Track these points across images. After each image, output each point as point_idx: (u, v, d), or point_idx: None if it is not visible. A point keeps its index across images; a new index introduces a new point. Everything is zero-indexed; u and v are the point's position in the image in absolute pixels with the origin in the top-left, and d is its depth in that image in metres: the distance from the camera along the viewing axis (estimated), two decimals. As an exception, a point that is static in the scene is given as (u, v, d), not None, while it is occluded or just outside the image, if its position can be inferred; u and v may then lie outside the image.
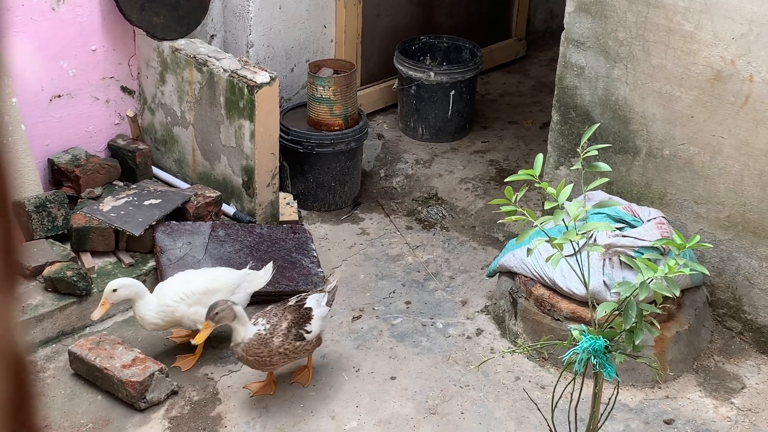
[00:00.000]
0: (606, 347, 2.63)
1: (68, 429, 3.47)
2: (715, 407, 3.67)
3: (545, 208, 2.71)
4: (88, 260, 4.09)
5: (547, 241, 2.60)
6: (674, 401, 3.69)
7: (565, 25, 4.12)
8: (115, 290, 3.57)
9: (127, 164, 4.59)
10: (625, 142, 4.10)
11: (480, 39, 5.95)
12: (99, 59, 4.51)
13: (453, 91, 5.40)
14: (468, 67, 5.41)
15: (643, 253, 3.55)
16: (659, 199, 4.08)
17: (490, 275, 4.18)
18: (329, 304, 3.69)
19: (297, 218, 4.65)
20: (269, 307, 3.60)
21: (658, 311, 2.66)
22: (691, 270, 2.50)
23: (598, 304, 2.61)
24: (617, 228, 3.79)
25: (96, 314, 3.62)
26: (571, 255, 2.66)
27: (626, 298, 2.51)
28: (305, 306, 3.59)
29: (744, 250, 3.90)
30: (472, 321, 4.13)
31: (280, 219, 4.59)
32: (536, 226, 2.58)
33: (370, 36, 5.53)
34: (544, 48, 6.61)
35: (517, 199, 2.62)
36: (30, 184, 4.22)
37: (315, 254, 4.36)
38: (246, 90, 4.24)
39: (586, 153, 2.66)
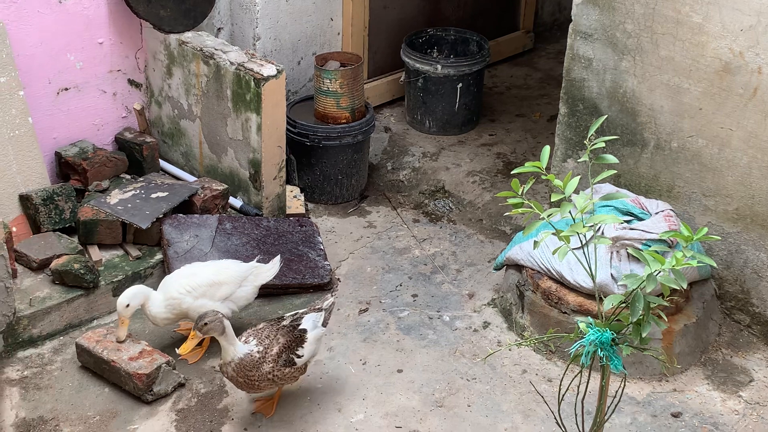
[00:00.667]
0: (613, 340, 2.62)
1: (76, 421, 3.48)
2: (722, 400, 3.66)
3: (552, 200, 2.70)
4: (95, 253, 4.10)
5: (554, 233, 2.59)
6: (682, 394, 3.68)
7: (572, 17, 4.10)
8: (128, 305, 3.54)
9: (134, 157, 4.59)
10: (633, 134, 4.09)
11: (487, 31, 5.93)
12: (106, 52, 4.51)
13: (460, 84, 5.39)
14: (475, 60, 5.40)
15: (650, 246, 3.54)
16: (667, 192, 4.07)
17: (497, 268, 4.18)
18: (325, 324, 3.53)
19: (304, 211, 4.65)
20: (261, 325, 3.43)
21: (666, 304, 2.65)
22: (698, 262, 2.49)
23: (605, 297, 2.60)
24: (625, 221, 3.78)
25: (122, 334, 3.59)
26: (578, 248, 2.66)
27: (633, 290, 2.50)
28: (300, 327, 3.42)
29: (752, 242, 3.89)
30: (479, 314, 4.12)
31: (287, 212, 4.59)
32: (543, 218, 2.57)
33: (376, 29, 5.52)
34: (551, 40, 6.59)
35: (524, 192, 2.61)
36: (37, 177, 4.23)
37: (322, 247, 4.36)
38: (253, 83, 4.24)
39: (593, 145, 2.65)
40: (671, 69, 3.87)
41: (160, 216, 4.14)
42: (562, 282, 3.79)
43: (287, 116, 4.65)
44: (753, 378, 3.78)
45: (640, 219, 3.80)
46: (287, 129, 4.61)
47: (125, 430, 3.45)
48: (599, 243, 2.60)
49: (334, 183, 4.87)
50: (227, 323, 3.26)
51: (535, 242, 2.69)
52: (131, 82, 4.68)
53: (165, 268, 4.07)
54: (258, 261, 3.90)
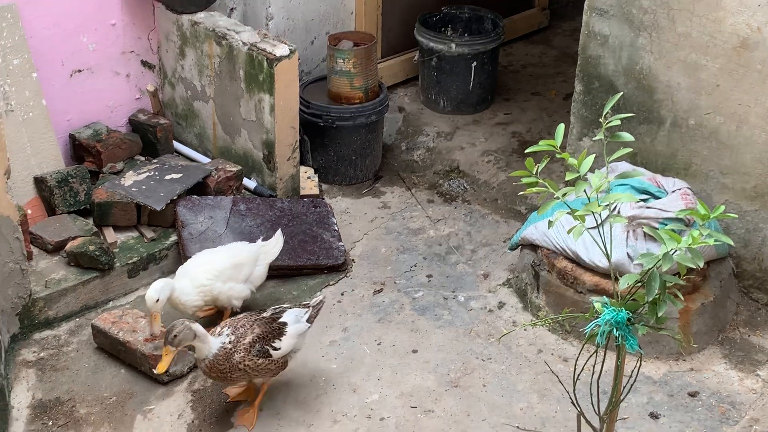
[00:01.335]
0: (629, 319, 2.60)
1: (92, 402, 3.50)
2: (740, 379, 3.64)
3: (567, 179, 2.67)
4: (110, 235, 4.11)
5: (569, 213, 2.56)
6: (699, 373, 3.66)
7: (588, -6, 4.05)
8: (157, 300, 3.47)
9: (148, 139, 4.59)
10: (650, 112, 4.04)
11: (502, 9, 5.87)
12: (119, 33, 4.50)
13: (475, 63, 5.34)
14: (490, 38, 5.35)
15: (667, 225, 3.51)
16: (684, 170, 4.02)
17: (512, 248, 4.16)
18: (311, 320, 3.43)
19: (318, 192, 4.64)
20: (240, 316, 3.37)
21: (682, 283, 2.62)
22: (715, 241, 2.46)
23: (621, 276, 2.57)
24: (641, 199, 3.74)
25: (156, 329, 3.56)
26: (593, 227, 2.63)
27: (649, 269, 2.48)
28: (280, 320, 3.34)
29: (770, 221, 3.85)
30: (494, 294, 4.11)
31: (301, 193, 4.58)
32: (558, 198, 2.55)
33: (390, 8, 5.48)
34: (567, 18, 6.53)
35: (539, 171, 2.58)
36: (52, 160, 4.23)
37: (336, 228, 4.35)
38: (266, 63, 4.22)
39: (609, 123, 2.61)
40: (688, 45, 3.82)
41: (175, 198, 4.14)
42: (577, 261, 3.77)
43: (300, 96, 4.63)
44: (771, 357, 3.76)
45: (657, 197, 3.77)
46: (300, 109, 4.59)
47: (141, 410, 3.47)
48: (615, 222, 2.57)
49: (348, 163, 4.85)
50: (196, 326, 3.17)
51: (550, 222, 2.66)
52: (144, 63, 4.67)
53: (179, 249, 4.08)
54: (262, 240, 3.92)
